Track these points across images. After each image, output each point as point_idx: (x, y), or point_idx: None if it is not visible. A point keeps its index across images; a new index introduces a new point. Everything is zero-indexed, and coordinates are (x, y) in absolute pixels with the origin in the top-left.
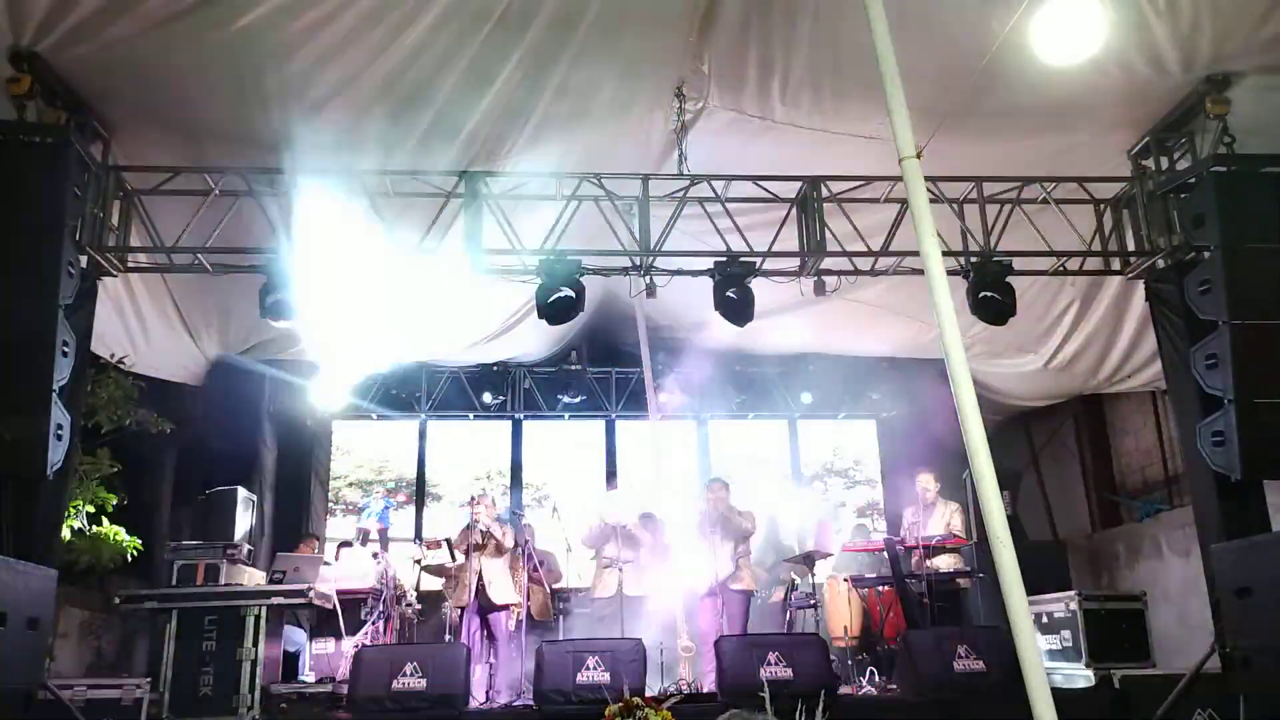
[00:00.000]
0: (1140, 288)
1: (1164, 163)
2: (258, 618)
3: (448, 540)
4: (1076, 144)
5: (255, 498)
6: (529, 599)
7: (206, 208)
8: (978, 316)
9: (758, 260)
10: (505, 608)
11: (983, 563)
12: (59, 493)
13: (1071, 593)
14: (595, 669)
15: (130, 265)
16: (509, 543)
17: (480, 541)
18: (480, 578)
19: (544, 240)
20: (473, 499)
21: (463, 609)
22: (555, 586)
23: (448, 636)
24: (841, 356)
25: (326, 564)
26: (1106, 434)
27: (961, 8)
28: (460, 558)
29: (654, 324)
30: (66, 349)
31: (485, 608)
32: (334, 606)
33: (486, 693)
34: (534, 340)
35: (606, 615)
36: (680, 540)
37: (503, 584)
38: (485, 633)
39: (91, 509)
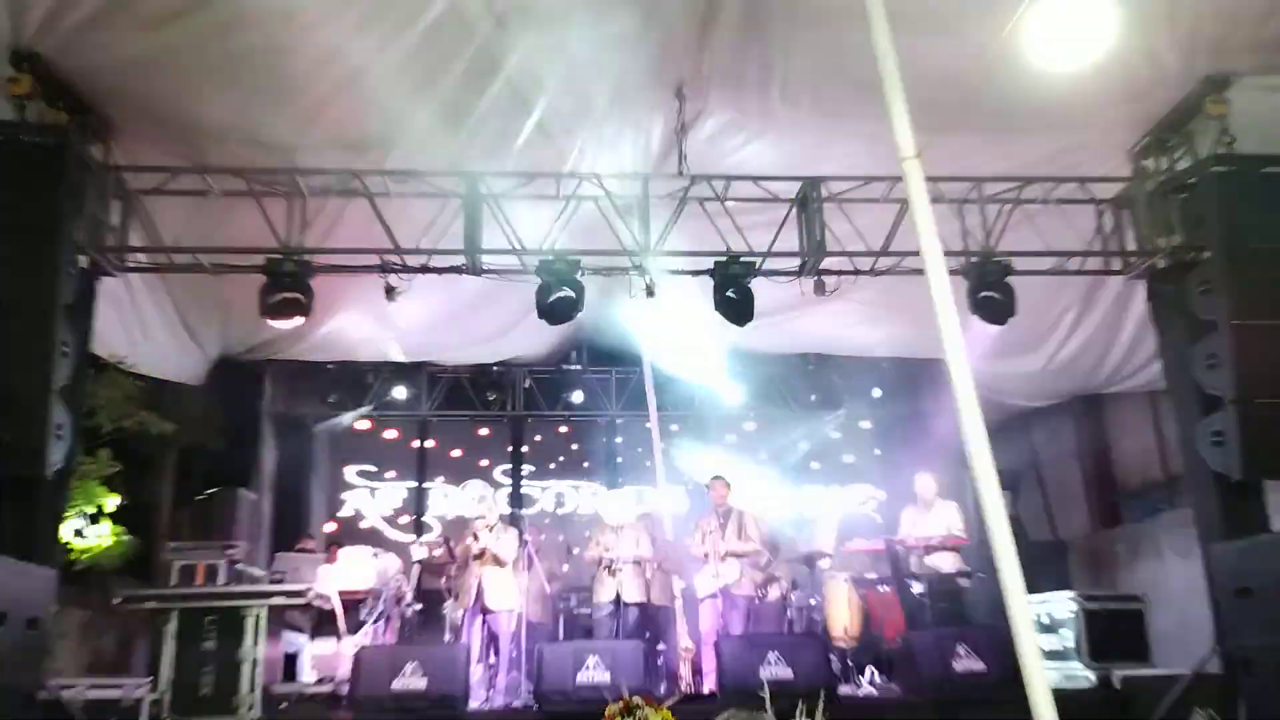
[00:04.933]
0: (1140, 288)
1: (1164, 163)
2: (258, 618)
3: (447, 540)
4: (1077, 144)
5: (255, 498)
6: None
7: (206, 208)
8: (978, 316)
9: (758, 260)
10: (507, 611)
11: (983, 563)
12: (59, 493)
13: (1071, 593)
14: (595, 669)
15: (130, 265)
16: (508, 556)
17: (478, 554)
18: (480, 582)
19: (544, 240)
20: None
21: (465, 611)
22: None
23: (448, 637)
24: (841, 356)
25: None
26: (1106, 434)
27: (961, 8)
28: (463, 551)
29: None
30: (66, 349)
31: (485, 610)
32: (334, 606)
33: (487, 693)
34: (534, 340)
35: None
36: (682, 540)
37: (501, 589)
38: (487, 634)
39: (91, 509)
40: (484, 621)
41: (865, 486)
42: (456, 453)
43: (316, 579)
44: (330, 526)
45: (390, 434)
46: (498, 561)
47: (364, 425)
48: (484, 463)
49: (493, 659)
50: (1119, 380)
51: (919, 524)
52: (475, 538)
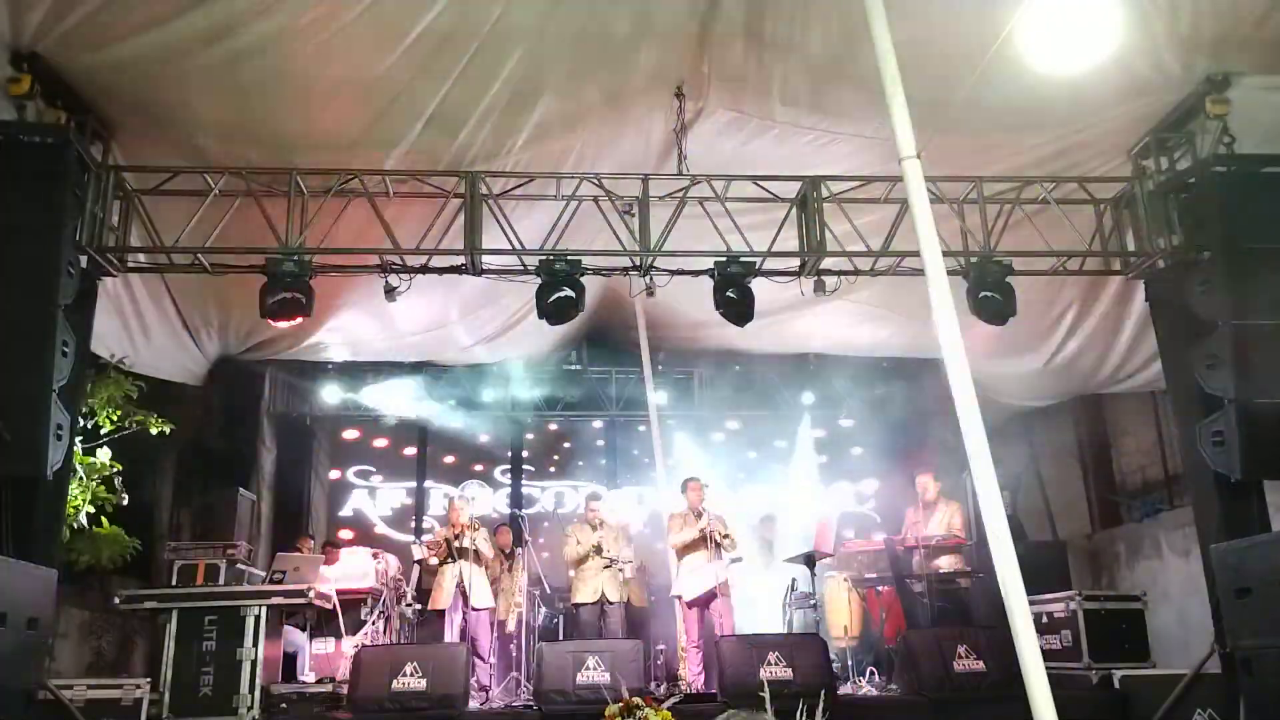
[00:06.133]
0: (1140, 288)
1: (1164, 163)
2: (258, 618)
3: (448, 539)
4: (1076, 144)
5: (255, 498)
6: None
7: (206, 208)
8: (978, 316)
9: (758, 260)
10: (486, 610)
11: (983, 563)
12: (59, 493)
13: (1071, 593)
14: (595, 669)
15: (130, 265)
16: (489, 551)
17: (459, 549)
18: (460, 582)
19: (544, 240)
20: (453, 501)
21: (442, 611)
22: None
23: (447, 637)
24: (841, 356)
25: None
26: (1106, 434)
27: (961, 9)
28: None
29: (654, 323)
30: (66, 349)
31: (465, 610)
32: (334, 606)
33: (485, 693)
34: (534, 340)
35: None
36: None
37: (480, 588)
38: (468, 634)
39: (91, 509)
40: (463, 620)
41: (866, 486)
42: (456, 452)
43: (316, 579)
44: (330, 527)
45: (390, 434)
46: (478, 560)
47: (365, 425)
48: (483, 463)
49: (491, 659)
50: (1119, 380)
51: (920, 524)
52: (468, 530)
